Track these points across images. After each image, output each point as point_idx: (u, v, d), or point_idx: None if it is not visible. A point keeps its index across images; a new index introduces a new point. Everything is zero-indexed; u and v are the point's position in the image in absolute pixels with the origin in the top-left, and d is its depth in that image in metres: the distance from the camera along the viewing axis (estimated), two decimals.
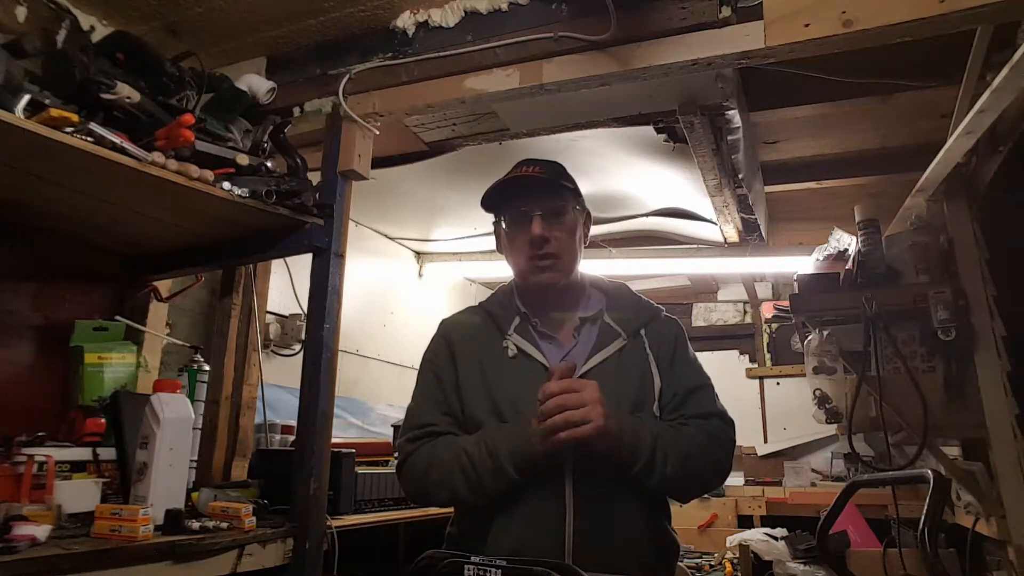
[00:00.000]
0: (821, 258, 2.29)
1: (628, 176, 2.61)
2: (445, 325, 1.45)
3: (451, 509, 1.37)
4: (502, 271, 3.49)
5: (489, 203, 1.43)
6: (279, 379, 2.48)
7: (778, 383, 3.87)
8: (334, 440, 1.67)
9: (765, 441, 3.74)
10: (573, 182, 1.40)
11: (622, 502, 1.21)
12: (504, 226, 1.41)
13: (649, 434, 1.21)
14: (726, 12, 1.37)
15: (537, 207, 1.34)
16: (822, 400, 2.05)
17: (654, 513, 1.29)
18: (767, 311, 3.93)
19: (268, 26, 1.76)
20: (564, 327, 1.38)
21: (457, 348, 1.37)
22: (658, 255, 3.25)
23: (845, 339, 2.00)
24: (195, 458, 1.78)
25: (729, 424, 1.34)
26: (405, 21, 1.70)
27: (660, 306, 1.45)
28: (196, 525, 1.31)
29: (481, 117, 2.11)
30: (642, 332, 1.37)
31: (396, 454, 2.32)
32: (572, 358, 1.31)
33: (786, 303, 2.97)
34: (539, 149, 2.33)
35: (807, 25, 1.30)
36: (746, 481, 3.45)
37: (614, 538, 1.19)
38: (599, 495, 1.20)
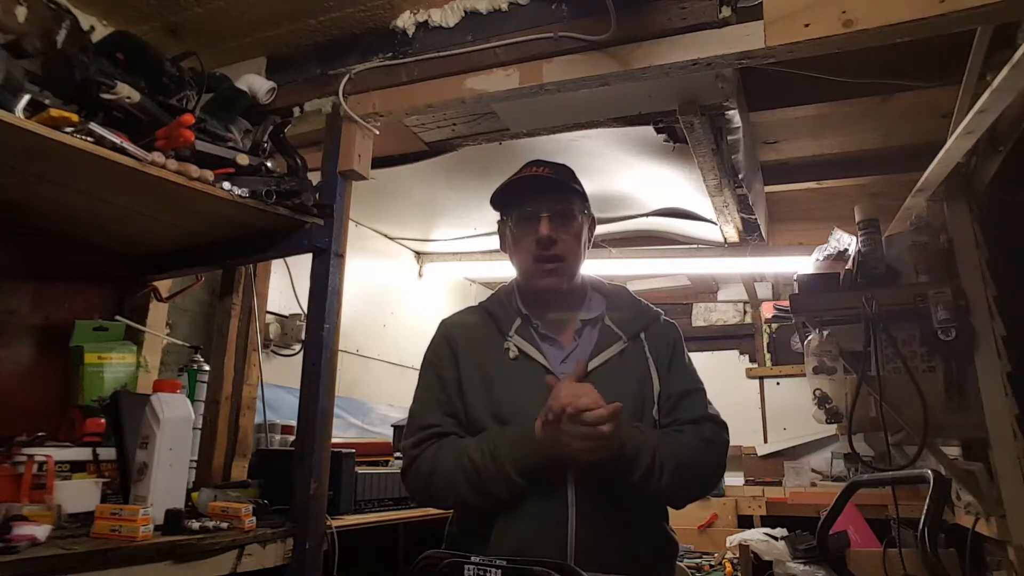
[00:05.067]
0: (821, 258, 2.29)
1: (628, 176, 2.61)
2: (446, 325, 1.44)
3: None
4: (502, 271, 3.50)
5: (497, 202, 1.42)
6: (279, 379, 2.48)
7: (778, 383, 3.87)
8: (334, 440, 1.67)
9: (765, 441, 3.74)
10: (581, 186, 1.40)
11: (623, 504, 1.21)
12: (511, 226, 1.39)
13: (649, 446, 1.21)
14: (726, 12, 1.37)
15: (546, 208, 1.33)
16: (822, 400, 2.05)
17: (654, 514, 1.30)
18: (767, 311, 3.93)
19: (268, 26, 1.76)
20: (565, 329, 1.37)
21: (459, 349, 1.36)
22: (658, 255, 3.25)
23: (845, 339, 2.00)
24: (195, 458, 1.78)
25: (721, 426, 1.34)
26: (405, 21, 1.70)
27: (659, 310, 1.45)
28: (196, 525, 1.31)
29: (481, 117, 2.11)
30: (642, 335, 1.37)
31: (398, 455, 2.33)
32: (573, 361, 1.31)
33: (786, 303, 2.97)
34: (539, 149, 2.33)
35: (807, 25, 1.30)
36: (746, 481, 3.45)
37: (616, 539, 1.20)
38: (600, 497, 1.20)
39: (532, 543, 1.16)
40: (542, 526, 1.18)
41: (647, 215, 3.00)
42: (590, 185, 1.45)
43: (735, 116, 1.98)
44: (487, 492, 1.20)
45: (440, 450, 1.27)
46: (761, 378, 3.90)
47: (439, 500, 1.29)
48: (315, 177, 1.72)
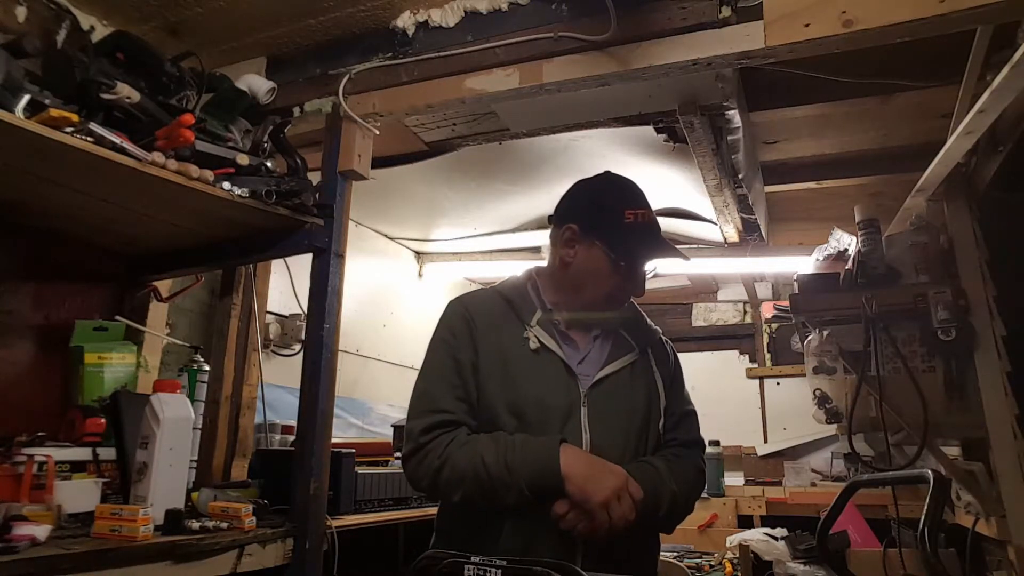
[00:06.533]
0: (821, 258, 2.29)
1: (628, 176, 2.60)
2: (464, 304, 1.37)
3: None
4: (502, 271, 3.49)
5: (603, 223, 1.39)
6: (279, 379, 2.48)
7: (778, 383, 3.86)
8: (334, 440, 1.67)
9: (765, 441, 3.73)
10: None
11: None
12: (613, 258, 1.35)
13: (667, 485, 1.25)
14: (726, 12, 1.38)
15: (653, 263, 1.40)
16: (822, 400, 2.05)
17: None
18: (767, 311, 3.93)
19: (268, 26, 1.76)
20: (582, 331, 1.38)
21: (479, 330, 1.31)
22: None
23: (845, 339, 2.00)
24: (195, 458, 1.78)
25: (703, 450, 1.43)
26: (405, 21, 1.70)
27: (657, 327, 1.51)
28: (196, 525, 1.31)
29: (481, 117, 2.11)
30: (649, 350, 1.40)
31: (398, 454, 2.33)
32: (588, 364, 1.33)
33: (786, 303, 2.96)
34: (539, 149, 2.33)
35: (807, 25, 1.31)
36: (746, 481, 3.44)
37: (622, 541, 1.20)
38: None
39: (541, 544, 1.17)
40: (550, 526, 1.18)
41: None
42: None
43: (735, 116, 1.98)
44: (496, 499, 1.19)
45: (452, 445, 1.22)
46: (761, 378, 3.89)
47: (443, 496, 1.27)
48: (315, 177, 1.72)
